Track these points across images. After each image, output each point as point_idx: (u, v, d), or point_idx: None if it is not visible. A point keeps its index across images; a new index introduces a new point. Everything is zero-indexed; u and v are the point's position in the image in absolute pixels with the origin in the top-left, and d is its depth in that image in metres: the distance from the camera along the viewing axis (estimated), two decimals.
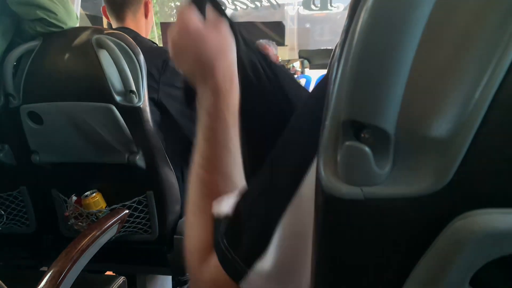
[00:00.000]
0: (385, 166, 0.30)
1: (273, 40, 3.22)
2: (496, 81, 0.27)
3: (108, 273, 1.76)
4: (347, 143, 0.30)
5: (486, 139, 0.28)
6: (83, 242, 1.12)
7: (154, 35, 3.89)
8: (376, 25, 0.28)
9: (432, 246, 0.29)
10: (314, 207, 0.35)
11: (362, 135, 0.30)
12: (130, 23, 1.64)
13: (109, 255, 1.56)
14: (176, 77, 1.50)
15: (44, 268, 1.71)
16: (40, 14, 1.26)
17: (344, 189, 0.31)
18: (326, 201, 0.32)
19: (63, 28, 1.32)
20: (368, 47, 0.28)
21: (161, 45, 4.05)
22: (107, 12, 1.67)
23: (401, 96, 0.28)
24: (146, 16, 1.71)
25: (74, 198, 1.44)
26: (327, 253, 0.35)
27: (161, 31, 3.95)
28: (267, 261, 0.42)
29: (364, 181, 0.30)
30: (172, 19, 5.07)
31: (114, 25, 1.67)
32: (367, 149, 0.29)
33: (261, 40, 3.13)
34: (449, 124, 0.28)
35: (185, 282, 1.94)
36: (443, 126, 0.28)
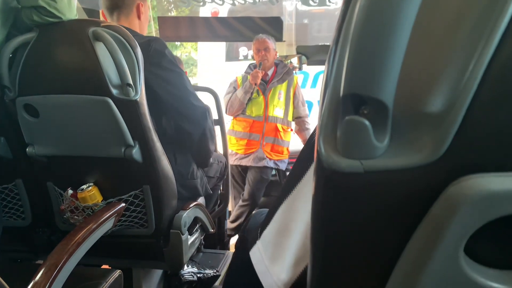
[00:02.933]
0: (384, 139, 0.31)
1: (271, 35, 3.21)
2: (486, 57, 0.28)
3: (104, 266, 1.76)
4: (347, 117, 0.31)
5: (479, 111, 0.29)
6: (79, 235, 1.12)
7: (151, 29, 3.87)
8: (375, 5, 0.29)
9: (428, 213, 0.30)
10: (314, 185, 0.36)
11: (361, 111, 0.31)
12: (123, 24, 1.67)
13: (106, 249, 1.56)
14: (163, 59, 1.53)
15: (40, 261, 1.70)
16: (41, 2, 1.25)
17: (344, 163, 0.32)
18: (326, 177, 0.34)
19: (61, 18, 1.31)
20: (367, 24, 0.29)
21: None
22: (104, 15, 1.75)
23: (399, 70, 0.29)
24: (139, 17, 1.75)
25: (70, 191, 1.44)
26: (328, 227, 0.36)
27: (159, 25, 3.93)
28: (268, 230, 0.64)
29: (363, 154, 0.32)
30: (169, 13, 5.04)
31: None
32: (366, 122, 0.31)
33: (260, 35, 3.12)
34: (444, 99, 0.30)
35: (181, 277, 1.95)
36: (438, 100, 0.30)
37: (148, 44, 1.48)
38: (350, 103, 0.32)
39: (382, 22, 0.29)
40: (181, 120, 1.63)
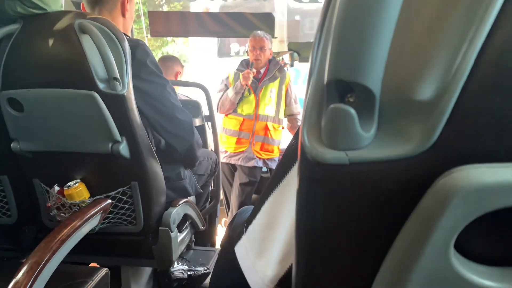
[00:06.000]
0: (370, 128, 0.30)
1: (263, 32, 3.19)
2: (478, 43, 0.27)
3: (93, 265, 1.74)
4: (331, 106, 0.30)
5: (471, 98, 0.28)
6: (63, 232, 1.09)
7: (141, 24, 3.83)
8: None
9: (417, 207, 0.29)
10: (298, 178, 0.35)
11: (347, 99, 0.29)
12: None
13: (93, 246, 1.54)
14: (144, 69, 1.45)
15: None
16: None
17: (329, 154, 0.30)
18: (310, 169, 0.32)
19: (46, 10, 1.28)
20: (353, 6, 0.27)
21: (149, 35, 4.00)
22: (85, 9, 1.64)
23: (386, 55, 0.28)
24: (123, 15, 1.64)
25: (56, 188, 1.41)
26: (313, 222, 0.34)
27: (149, 20, 3.89)
28: (254, 225, 0.63)
29: (348, 144, 0.30)
30: (161, 8, 5.00)
31: None
32: (352, 110, 0.29)
33: (258, 32, 3.10)
34: (434, 86, 0.28)
35: (170, 274, 1.93)
36: (428, 88, 0.28)
37: (133, 49, 1.38)
38: (335, 90, 0.30)
39: (368, 3, 0.27)
40: (167, 136, 1.57)
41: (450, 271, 0.29)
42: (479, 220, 0.28)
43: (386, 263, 0.31)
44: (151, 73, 1.47)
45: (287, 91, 3.15)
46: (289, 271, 0.55)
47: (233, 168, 3.21)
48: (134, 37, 2.45)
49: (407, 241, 0.30)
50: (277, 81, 3.09)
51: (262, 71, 3.11)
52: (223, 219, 3.54)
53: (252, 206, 0.84)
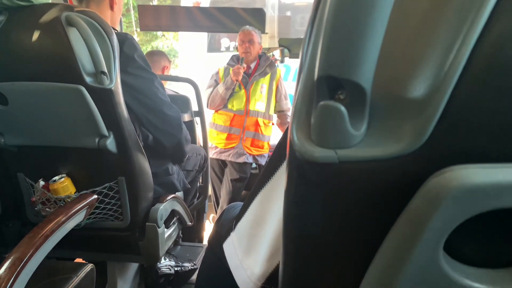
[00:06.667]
0: (360, 127, 0.29)
1: (254, 27, 3.17)
2: (472, 40, 0.26)
3: (78, 260, 1.72)
4: (321, 103, 0.29)
5: (463, 97, 0.27)
6: (48, 227, 1.07)
7: (130, 18, 3.78)
8: None
9: (407, 207, 0.28)
10: (286, 176, 0.34)
11: (337, 96, 0.28)
12: None
13: (80, 242, 1.52)
14: (131, 63, 1.43)
15: None
16: None
17: (318, 153, 0.30)
18: (299, 167, 0.31)
19: (32, 2, 1.25)
20: (344, 2, 0.26)
21: (138, 28, 3.96)
22: (73, 2, 1.61)
23: (378, 51, 0.27)
24: (111, 8, 1.61)
25: (41, 182, 1.39)
26: (301, 221, 0.34)
27: (138, 14, 3.85)
28: (243, 222, 0.62)
29: (338, 143, 0.29)
30: (150, 2, 4.95)
31: None
32: (342, 108, 0.28)
33: (247, 26, 3.09)
34: (426, 84, 0.27)
35: (157, 270, 1.92)
36: (420, 86, 0.28)
37: (121, 44, 1.35)
38: (325, 87, 0.29)
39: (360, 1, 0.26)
40: (154, 131, 1.56)
41: (439, 272, 0.29)
42: (469, 221, 0.28)
43: (374, 263, 0.31)
44: (138, 68, 1.45)
45: (277, 87, 3.14)
46: (277, 269, 0.55)
47: (223, 164, 3.19)
48: (123, 31, 2.42)
49: (396, 241, 0.29)
50: (267, 77, 3.08)
51: (252, 66, 3.10)
52: (211, 215, 3.53)
53: (240, 203, 0.83)
